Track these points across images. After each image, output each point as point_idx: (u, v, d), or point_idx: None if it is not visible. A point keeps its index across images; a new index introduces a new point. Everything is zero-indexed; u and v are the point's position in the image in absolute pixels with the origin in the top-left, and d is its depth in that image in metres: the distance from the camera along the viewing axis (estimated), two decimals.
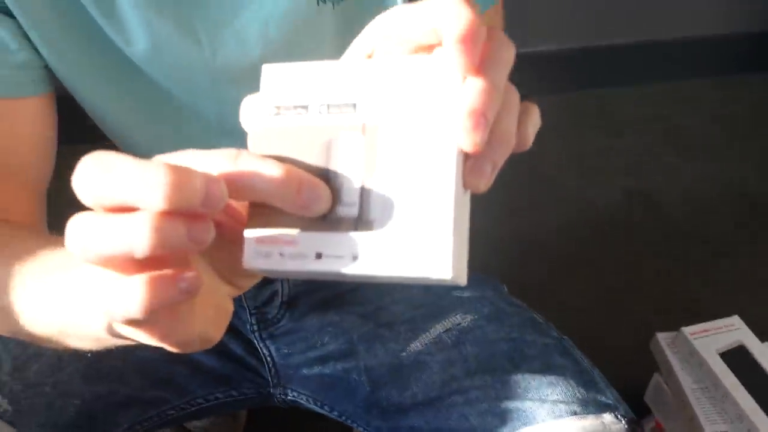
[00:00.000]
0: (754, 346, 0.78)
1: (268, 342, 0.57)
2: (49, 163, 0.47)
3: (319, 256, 0.24)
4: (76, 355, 0.46)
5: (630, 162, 1.45)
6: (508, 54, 0.23)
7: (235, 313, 0.46)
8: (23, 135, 0.44)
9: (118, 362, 0.51)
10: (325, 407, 0.54)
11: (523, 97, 0.25)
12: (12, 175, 0.44)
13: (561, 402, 0.45)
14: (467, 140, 0.22)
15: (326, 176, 0.24)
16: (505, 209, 1.24)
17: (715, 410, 0.74)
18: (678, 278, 1.19)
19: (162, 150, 0.24)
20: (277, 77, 0.25)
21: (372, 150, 0.24)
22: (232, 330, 0.56)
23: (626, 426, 0.45)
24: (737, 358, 0.76)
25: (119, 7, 0.39)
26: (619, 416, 0.45)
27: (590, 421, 0.44)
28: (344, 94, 0.24)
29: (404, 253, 0.23)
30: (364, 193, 0.24)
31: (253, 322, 0.56)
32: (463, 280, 0.24)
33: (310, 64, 0.25)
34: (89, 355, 0.46)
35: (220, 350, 0.55)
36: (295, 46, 0.43)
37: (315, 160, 0.24)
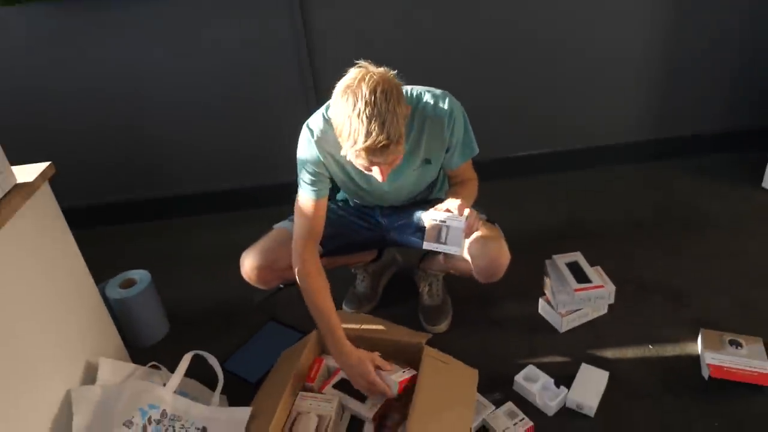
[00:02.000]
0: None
1: (381, 218, 1.62)
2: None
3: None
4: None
5: None
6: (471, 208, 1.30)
7: (371, 211, 1.63)
8: (321, 216, 1.45)
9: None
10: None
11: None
12: (317, 235, 1.46)
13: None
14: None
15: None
16: None
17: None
18: None
19: (363, 195, 1.54)
20: None
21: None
22: (369, 215, 1.64)
23: (486, 218, 1.56)
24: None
25: (362, 175, 1.43)
26: (485, 216, 1.57)
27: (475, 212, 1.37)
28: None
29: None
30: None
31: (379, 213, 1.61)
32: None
33: None
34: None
35: (367, 224, 1.64)
36: (402, 185, 1.50)
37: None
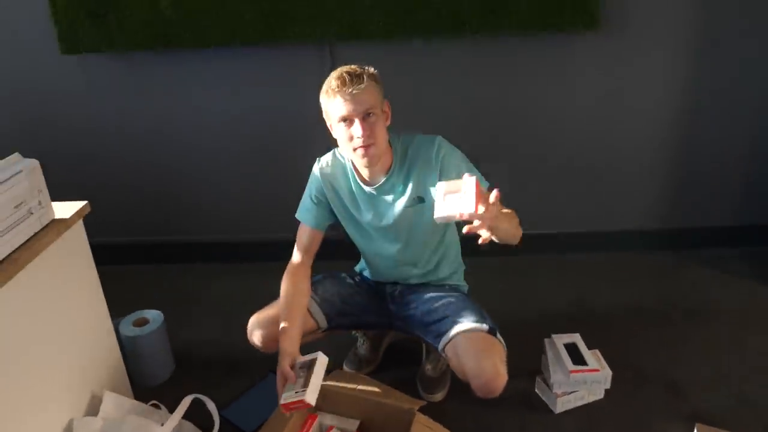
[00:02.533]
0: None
1: (391, 305, 1.68)
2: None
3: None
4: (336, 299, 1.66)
5: None
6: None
7: (382, 291, 1.72)
8: (316, 241, 1.61)
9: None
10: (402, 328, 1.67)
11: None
12: (312, 253, 1.62)
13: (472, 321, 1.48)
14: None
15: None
16: None
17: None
18: None
19: (373, 248, 1.67)
20: None
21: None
22: (381, 298, 1.72)
23: (489, 328, 1.48)
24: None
25: (356, 207, 1.57)
26: (488, 325, 1.48)
27: (479, 325, 1.46)
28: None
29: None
30: None
31: (389, 299, 1.68)
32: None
33: None
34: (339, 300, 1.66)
35: (377, 307, 1.71)
36: (399, 221, 1.55)
37: None
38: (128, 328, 1.80)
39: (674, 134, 2.34)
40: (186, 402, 1.49)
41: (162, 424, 1.42)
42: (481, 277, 1.87)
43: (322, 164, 1.58)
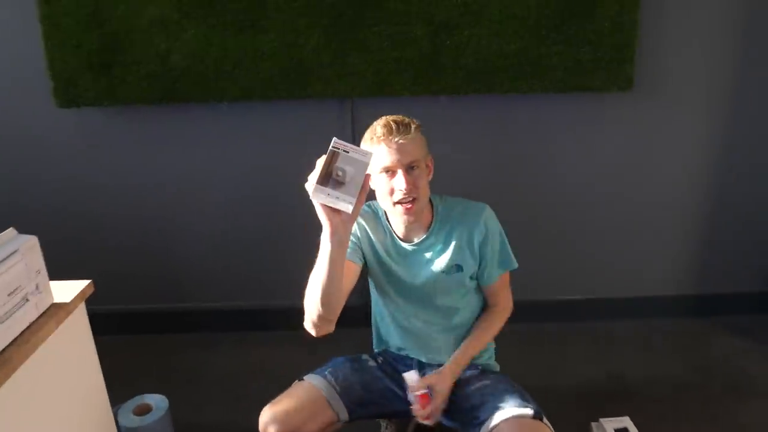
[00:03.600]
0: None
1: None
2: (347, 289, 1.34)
3: None
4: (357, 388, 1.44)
5: None
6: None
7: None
8: (350, 276, 1.35)
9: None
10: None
11: None
12: (345, 291, 1.30)
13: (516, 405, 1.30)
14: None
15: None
16: None
17: None
18: None
19: (399, 305, 1.48)
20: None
21: None
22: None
23: (534, 412, 1.29)
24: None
25: (389, 258, 1.44)
26: (533, 409, 1.29)
27: (523, 410, 1.28)
28: None
29: None
30: None
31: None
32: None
33: None
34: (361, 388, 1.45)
35: (404, 393, 1.41)
36: (432, 284, 1.41)
37: None
38: (128, 418, 1.59)
39: (703, 197, 2.26)
40: None
41: None
42: (508, 346, 1.70)
43: (365, 207, 1.48)
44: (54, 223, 2.17)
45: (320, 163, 1.04)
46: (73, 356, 1.26)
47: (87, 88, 1.96)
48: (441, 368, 1.40)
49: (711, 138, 2.17)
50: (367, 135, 1.33)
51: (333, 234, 1.10)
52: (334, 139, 1.04)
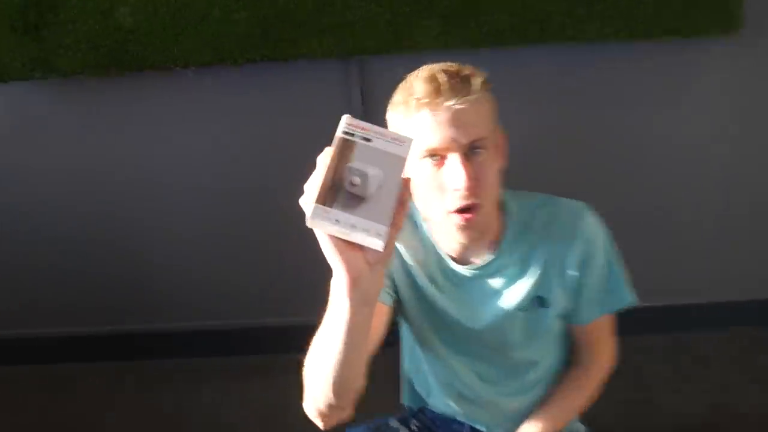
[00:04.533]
0: None
1: None
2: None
3: None
4: None
5: None
6: None
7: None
8: (380, 323, 0.90)
9: None
10: None
11: None
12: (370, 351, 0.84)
13: None
14: None
15: None
16: None
17: None
18: None
19: (448, 363, 1.02)
20: None
21: None
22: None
23: None
24: None
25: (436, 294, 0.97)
26: None
27: None
28: None
29: None
30: None
31: None
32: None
33: None
34: None
35: None
36: (502, 328, 0.96)
37: None
38: None
39: None
40: None
41: None
42: None
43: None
44: None
45: (323, 162, 0.58)
46: None
47: (12, 56, 1.61)
48: None
49: None
50: (398, 97, 0.85)
51: (353, 287, 0.60)
52: (346, 118, 0.59)
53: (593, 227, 0.92)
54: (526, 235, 0.92)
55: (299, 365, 0.82)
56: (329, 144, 0.59)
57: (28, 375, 1.91)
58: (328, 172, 0.56)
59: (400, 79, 0.87)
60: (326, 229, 0.56)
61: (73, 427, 1.41)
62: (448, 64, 0.84)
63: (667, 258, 1.91)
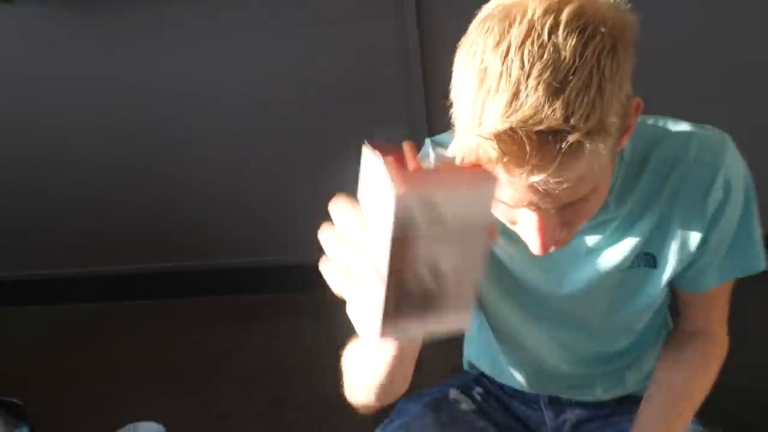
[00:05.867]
0: None
1: None
2: None
3: None
4: None
5: None
6: None
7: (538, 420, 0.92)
8: None
9: None
10: None
11: None
12: None
13: None
14: None
15: None
16: None
17: None
18: None
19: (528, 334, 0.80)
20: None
21: None
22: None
23: None
24: None
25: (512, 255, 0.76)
26: None
27: None
28: None
29: None
30: None
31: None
32: None
33: None
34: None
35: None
36: (595, 292, 0.76)
37: None
38: None
39: None
40: None
41: None
42: None
43: (439, 158, 0.79)
44: None
45: (374, 274, 0.42)
46: None
47: None
48: None
49: None
50: (467, 108, 0.53)
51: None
52: (393, 200, 0.37)
53: (734, 170, 0.69)
54: (640, 180, 0.70)
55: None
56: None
57: (77, 314, 1.89)
58: (389, 283, 0.40)
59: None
60: (397, 339, 0.53)
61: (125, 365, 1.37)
62: (545, 100, 0.49)
63: None
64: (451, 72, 0.60)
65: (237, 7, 1.62)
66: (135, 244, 1.91)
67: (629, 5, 0.55)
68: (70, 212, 1.89)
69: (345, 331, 0.70)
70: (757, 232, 0.74)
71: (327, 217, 0.51)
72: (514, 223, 0.61)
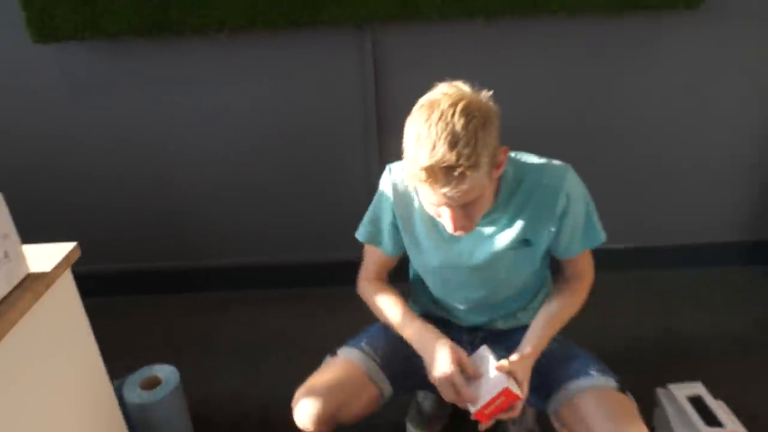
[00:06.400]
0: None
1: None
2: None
3: None
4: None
5: None
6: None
7: (457, 338, 1.28)
8: (386, 268, 1.30)
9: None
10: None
11: None
12: (383, 274, 1.30)
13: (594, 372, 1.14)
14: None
15: None
16: None
17: None
18: None
19: (448, 292, 1.27)
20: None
21: None
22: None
23: (618, 384, 1.13)
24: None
25: (436, 238, 1.19)
26: (615, 380, 1.14)
27: (604, 380, 1.12)
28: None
29: None
30: None
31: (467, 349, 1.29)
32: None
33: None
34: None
35: None
36: (493, 263, 1.18)
37: None
38: (135, 392, 1.42)
39: (761, 139, 2.01)
40: None
41: None
42: None
43: (395, 178, 1.19)
44: (30, 178, 1.96)
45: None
46: (58, 333, 1.06)
47: (65, 18, 1.70)
48: (521, 349, 1.13)
49: None
50: (410, 153, 0.96)
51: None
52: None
53: (573, 186, 1.10)
54: (516, 195, 1.11)
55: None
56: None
57: (107, 305, 2.03)
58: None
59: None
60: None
61: (117, 353, 1.60)
62: (446, 146, 0.91)
63: (642, 204, 2.11)
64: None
65: (230, 56, 1.82)
66: (145, 246, 2.10)
67: (491, 95, 0.99)
68: (90, 216, 2.02)
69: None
70: (597, 221, 1.16)
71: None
72: (439, 215, 1.04)
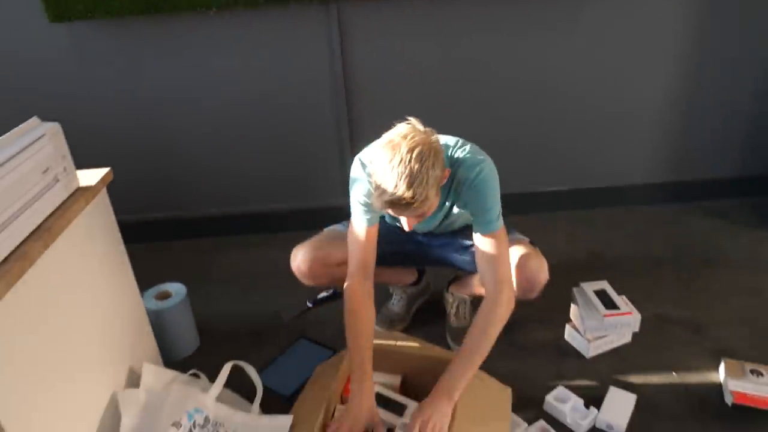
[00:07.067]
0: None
1: (422, 237, 1.65)
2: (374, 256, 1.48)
3: None
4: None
5: None
6: None
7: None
8: (372, 243, 1.45)
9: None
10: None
11: None
12: (370, 263, 1.46)
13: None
14: None
15: None
16: None
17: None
18: None
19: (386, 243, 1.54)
20: None
21: None
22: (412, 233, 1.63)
23: (529, 240, 1.62)
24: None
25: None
26: (529, 240, 1.66)
27: (518, 235, 1.64)
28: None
29: None
30: None
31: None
32: None
33: None
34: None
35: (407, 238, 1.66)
36: (441, 225, 1.57)
37: None
38: (151, 302, 1.75)
39: (679, 83, 2.35)
40: (227, 368, 1.46)
41: (205, 392, 1.39)
42: None
43: (362, 166, 1.42)
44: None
45: None
46: (101, 236, 1.39)
47: (77, 1, 1.99)
48: (434, 394, 1.29)
49: (686, 23, 2.23)
50: (375, 184, 1.22)
51: None
52: None
53: (478, 177, 1.34)
54: (451, 188, 1.40)
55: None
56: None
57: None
58: None
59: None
60: None
61: (144, 276, 1.78)
62: (399, 184, 1.16)
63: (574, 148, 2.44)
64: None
65: (218, 31, 2.10)
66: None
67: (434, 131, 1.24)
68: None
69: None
70: (494, 212, 1.36)
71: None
72: (397, 219, 1.39)
